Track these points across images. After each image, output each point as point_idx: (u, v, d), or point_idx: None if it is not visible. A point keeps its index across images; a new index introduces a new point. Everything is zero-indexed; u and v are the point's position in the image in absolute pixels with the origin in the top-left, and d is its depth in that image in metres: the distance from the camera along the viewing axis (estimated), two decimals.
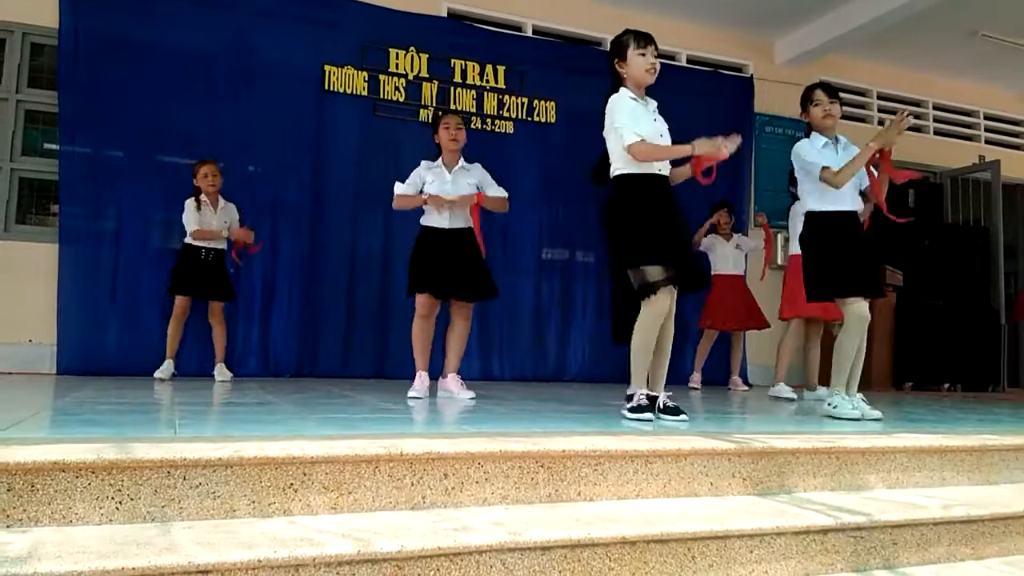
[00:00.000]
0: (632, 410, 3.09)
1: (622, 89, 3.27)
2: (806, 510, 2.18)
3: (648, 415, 3.05)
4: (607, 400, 4.20)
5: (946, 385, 7.49)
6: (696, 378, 6.21)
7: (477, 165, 4.29)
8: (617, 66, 3.28)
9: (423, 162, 4.24)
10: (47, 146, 5.59)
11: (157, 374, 4.93)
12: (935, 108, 8.67)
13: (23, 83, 5.58)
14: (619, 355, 6.72)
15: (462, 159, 4.23)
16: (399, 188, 4.22)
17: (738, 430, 2.92)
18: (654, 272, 3.11)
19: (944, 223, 8.31)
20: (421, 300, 4.13)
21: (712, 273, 6.14)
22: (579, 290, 6.76)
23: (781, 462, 2.41)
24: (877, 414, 3.49)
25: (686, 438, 2.42)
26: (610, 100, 3.27)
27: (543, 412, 3.39)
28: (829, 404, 3.64)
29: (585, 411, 3.48)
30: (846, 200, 3.67)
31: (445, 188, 4.13)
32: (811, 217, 3.75)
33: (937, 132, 8.70)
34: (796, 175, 3.86)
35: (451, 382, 4.15)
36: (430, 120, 6.33)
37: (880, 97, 8.32)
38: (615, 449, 2.21)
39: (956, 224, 8.35)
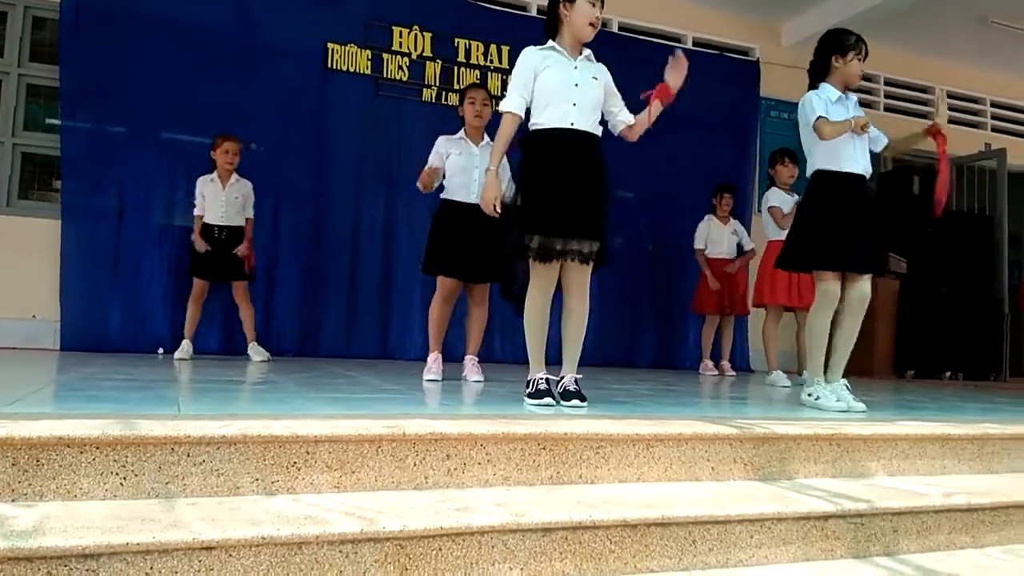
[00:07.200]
0: (531, 395, 2.93)
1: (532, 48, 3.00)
2: (807, 496, 2.19)
3: (548, 399, 2.87)
4: (609, 384, 4.20)
5: (948, 373, 7.50)
6: (709, 364, 6.18)
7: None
8: (562, 8, 2.97)
9: (442, 137, 4.07)
10: (49, 121, 5.57)
11: (177, 355, 4.91)
12: None
13: (24, 57, 5.55)
14: (623, 340, 6.81)
15: (486, 136, 4.03)
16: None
17: (740, 415, 2.92)
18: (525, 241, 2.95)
19: (949, 210, 8.28)
20: (445, 282, 4.01)
21: (707, 256, 6.12)
22: None
23: (783, 448, 2.42)
24: (861, 406, 3.19)
25: (688, 423, 2.42)
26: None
27: None
28: (810, 395, 3.39)
29: (587, 394, 3.47)
30: (857, 162, 3.35)
31: (473, 161, 3.96)
32: (819, 177, 3.41)
33: None
34: (802, 132, 3.47)
35: (467, 363, 4.10)
36: (432, 98, 6.31)
37: (887, 83, 8.27)
38: (617, 433, 2.21)
39: (961, 212, 8.31)
